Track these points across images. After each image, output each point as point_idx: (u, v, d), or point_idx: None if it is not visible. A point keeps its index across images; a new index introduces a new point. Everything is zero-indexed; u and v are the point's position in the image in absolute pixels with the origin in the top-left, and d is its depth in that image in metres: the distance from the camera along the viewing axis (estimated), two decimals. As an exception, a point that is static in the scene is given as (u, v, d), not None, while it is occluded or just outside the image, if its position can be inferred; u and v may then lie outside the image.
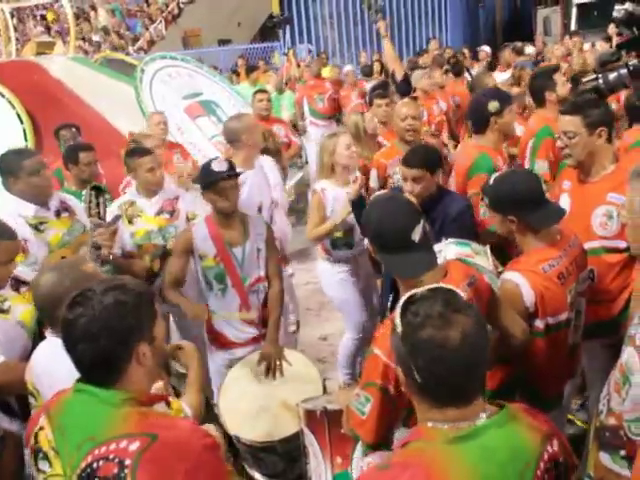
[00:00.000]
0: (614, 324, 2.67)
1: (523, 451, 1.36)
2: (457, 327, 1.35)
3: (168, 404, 1.97)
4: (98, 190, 2.96)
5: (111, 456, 1.41)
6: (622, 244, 2.73)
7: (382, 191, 3.14)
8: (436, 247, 2.84)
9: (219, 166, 3.04)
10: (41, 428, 1.57)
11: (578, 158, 2.81)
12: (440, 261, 2.64)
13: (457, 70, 7.47)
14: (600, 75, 2.53)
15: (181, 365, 2.16)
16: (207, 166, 3.10)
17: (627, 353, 1.74)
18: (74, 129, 5.22)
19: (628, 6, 2.35)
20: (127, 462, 1.39)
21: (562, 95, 3.85)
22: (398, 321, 1.41)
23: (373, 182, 4.03)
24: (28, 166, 3.22)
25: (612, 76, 2.47)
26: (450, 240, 2.85)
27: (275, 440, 2.67)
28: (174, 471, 1.40)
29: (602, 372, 2.61)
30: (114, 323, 1.50)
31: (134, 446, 1.41)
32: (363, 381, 1.90)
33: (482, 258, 2.72)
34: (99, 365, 1.53)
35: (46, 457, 1.55)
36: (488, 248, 2.71)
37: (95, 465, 1.42)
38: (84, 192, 2.96)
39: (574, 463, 1.49)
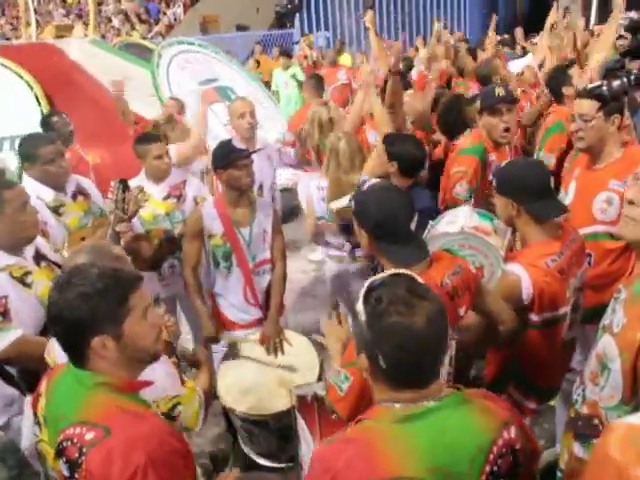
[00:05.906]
0: None
1: (475, 435, 1.36)
2: (421, 312, 1.35)
3: (183, 382, 2.10)
4: (125, 185, 3.03)
5: (75, 439, 1.44)
6: None
7: (374, 180, 3.15)
8: (455, 211, 2.86)
9: (239, 144, 3.16)
10: (39, 395, 1.65)
11: (589, 142, 2.84)
12: (456, 228, 2.64)
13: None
14: (605, 82, 2.57)
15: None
16: (227, 145, 3.16)
17: (603, 341, 1.78)
18: (64, 115, 4.82)
19: (633, 14, 2.39)
20: (84, 450, 1.42)
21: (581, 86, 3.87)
22: (361, 308, 1.41)
23: None
24: (44, 155, 3.27)
25: (615, 84, 2.50)
26: (476, 209, 2.87)
27: (267, 414, 2.73)
28: (120, 469, 1.38)
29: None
30: (66, 314, 1.51)
31: (89, 436, 1.42)
32: (345, 360, 1.93)
33: (497, 238, 2.68)
34: (64, 349, 1.58)
35: (38, 423, 1.62)
36: (510, 231, 2.66)
37: (64, 444, 1.46)
38: (112, 184, 3.04)
39: (536, 449, 1.49)
